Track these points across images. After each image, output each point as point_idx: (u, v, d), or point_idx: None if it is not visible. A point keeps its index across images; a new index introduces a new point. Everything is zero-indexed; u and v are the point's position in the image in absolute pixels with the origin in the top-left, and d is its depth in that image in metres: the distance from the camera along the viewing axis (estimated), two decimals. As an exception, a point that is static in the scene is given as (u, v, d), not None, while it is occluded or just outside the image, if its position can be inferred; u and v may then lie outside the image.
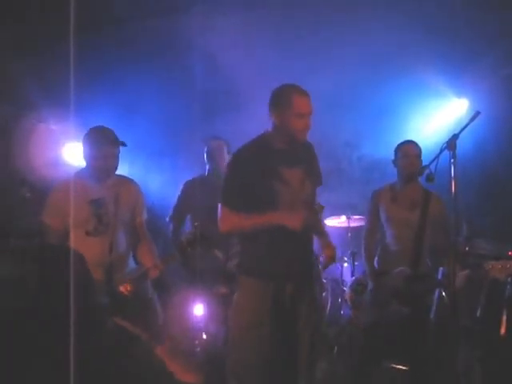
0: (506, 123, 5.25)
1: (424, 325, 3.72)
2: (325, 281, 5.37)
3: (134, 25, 5.20)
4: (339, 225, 5.63)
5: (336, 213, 5.51)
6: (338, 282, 5.39)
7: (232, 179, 2.99)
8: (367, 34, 4.89)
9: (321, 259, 3.42)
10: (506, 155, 5.25)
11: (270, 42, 5.04)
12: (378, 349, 3.89)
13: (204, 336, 4.06)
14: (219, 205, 3.00)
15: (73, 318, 1.47)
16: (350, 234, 5.48)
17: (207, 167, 4.36)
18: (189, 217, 4.36)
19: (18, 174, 4.87)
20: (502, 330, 3.69)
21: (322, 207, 3.16)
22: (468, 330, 3.71)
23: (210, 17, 4.88)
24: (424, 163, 3.64)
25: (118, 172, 3.58)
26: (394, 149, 4.05)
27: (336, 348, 4.79)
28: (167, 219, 4.42)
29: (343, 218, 5.50)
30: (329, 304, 5.45)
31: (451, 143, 3.11)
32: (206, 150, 4.33)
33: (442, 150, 3.17)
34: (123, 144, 3.44)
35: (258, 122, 5.16)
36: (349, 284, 4.58)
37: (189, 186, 4.40)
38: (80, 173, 3.53)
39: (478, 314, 4.10)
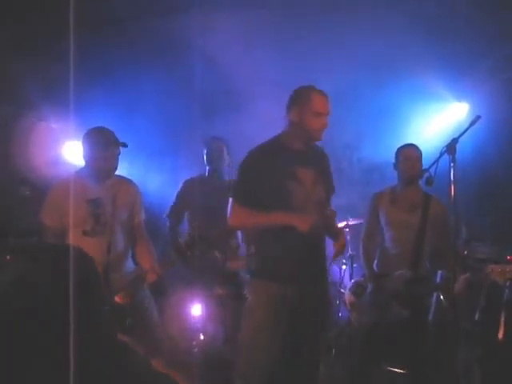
0: (506, 127, 5.25)
1: (423, 327, 3.73)
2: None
3: (133, 24, 5.20)
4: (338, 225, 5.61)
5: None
6: (337, 285, 5.39)
7: (245, 176, 3.03)
8: (367, 35, 4.89)
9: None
10: (505, 158, 5.25)
11: (270, 43, 5.05)
12: (378, 351, 3.89)
13: (202, 336, 4.06)
14: (230, 199, 3.03)
15: (81, 318, 1.48)
16: (348, 237, 5.47)
17: (207, 168, 4.37)
18: (187, 215, 4.37)
19: (18, 172, 4.88)
20: (501, 333, 3.69)
21: (334, 213, 3.16)
22: (467, 333, 3.71)
23: (210, 17, 4.88)
24: (424, 167, 3.65)
25: (117, 172, 3.58)
26: (394, 152, 4.05)
27: (334, 350, 4.79)
28: (164, 216, 4.42)
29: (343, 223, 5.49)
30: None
31: (451, 147, 3.11)
32: (205, 151, 4.33)
33: (441, 154, 3.17)
34: (124, 145, 3.44)
35: (257, 122, 5.17)
36: (348, 286, 4.57)
37: (188, 185, 4.41)
38: (79, 172, 3.53)
39: (477, 317, 4.10)
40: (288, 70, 5.11)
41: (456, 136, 3.18)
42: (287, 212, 2.92)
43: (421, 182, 3.74)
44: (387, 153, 4.23)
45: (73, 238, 3.24)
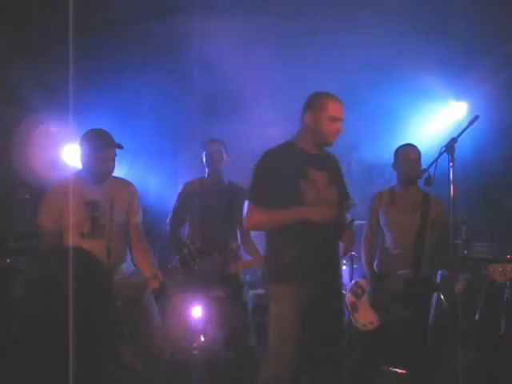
0: (505, 126, 5.25)
1: (423, 327, 3.73)
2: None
3: (133, 27, 5.21)
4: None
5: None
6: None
7: (260, 177, 3.07)
8: (367, 36, 4.90)
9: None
10: (505, 158, 5.25)
11: (269, 45, 5.05)
12: (378, 351, 3.90)
13: (202, 338, 4.06)
14: (246, 202, 3.07)
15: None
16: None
17: (206, 170, 4.36)
18: (188, 219, 4.36)
19: (18, 175, 4.88)
20: (501, 333, 3.70)
21: (353, 204, 3.18)
22: (467, 333, 3.71)
23: (210, 20, 4.89)
24: (423, 166, 3.65)
25: (116, 173, 3.58)
26: (393, 152, 4.05)
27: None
28: (167, 221, 4.41)
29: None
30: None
31: (450, 147, 3.11)
32: (204, 152, 4.32)
33: (440, 154, 3.17)
34: (120, 146, 3.43)
35: (256, 124, 5.17)
36: (348, 287, 4.57)
37: (188, 187, 4.40)
38: (76, 174, 3.52)
39: (477, 317, 4.10)
40: (287, 71, 5.12)
41: (455, 136, 3.19)
42: (299, 207, 2.97)
43: (419, 182, 3.74)
44: (386, 153, 4.22)
45: (71, 241, 3.24)
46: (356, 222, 5.24)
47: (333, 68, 4.88)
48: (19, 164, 4.84)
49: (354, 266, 5.26)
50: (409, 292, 3.72)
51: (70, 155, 5.48)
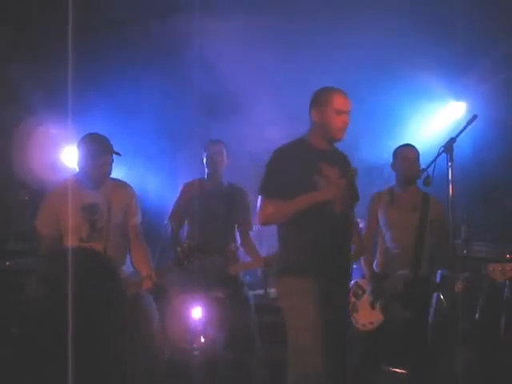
0: (504, 126, 5.25)
1: (423, 327, 3.73)
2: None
3: (133, 27, 5.21)
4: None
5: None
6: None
7: (272, 172, 3.08)
8: (366, 36, 4.90)
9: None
10: (504, 158, 5.25)
11: (269, 45, 5.05)
12: (378, 351, 3.90)
13: (202, 339, 4.06)
14: (259, 197, 3.08)
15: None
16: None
17: (206, 171, 4.36)
18: (187, 220, 4.36)
19: (17, 177, 4.89)
20: (501, 332, 3.70)
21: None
22: (467, 333, 3.71)
23: (210, 20, 4.89)
24: (422, 166, 3.65)
25: (115, 175, 3.58)
26: (392, 152, 4.05)
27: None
28: (166, 221, 4.42)
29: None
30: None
31: (448, 146, 3.12)
32: (205, 154, 4.32)
33: (439, 154, 3.17)
34: (117, 153, 3.45)
35: (256, 124, 5.16)
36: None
37: (188, 188, 4.40)
38: (74, 177, 3.53)
39: (477, 317, 4.10)
40: (287, 71, 5.12)
41: (453, 135, 3.19)
42: (314, 207, 2.96)
43: (418, 182, 3.74)
44: (385, 153, 4.22)
45: (70, 245, 3.25)
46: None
47: (333, 68, 4.87)
48: (19, 165, 4.84)
49: (354, 266, 5.26)
50: (409, 292, 3.73)
51: (70, 157, 5.48)
